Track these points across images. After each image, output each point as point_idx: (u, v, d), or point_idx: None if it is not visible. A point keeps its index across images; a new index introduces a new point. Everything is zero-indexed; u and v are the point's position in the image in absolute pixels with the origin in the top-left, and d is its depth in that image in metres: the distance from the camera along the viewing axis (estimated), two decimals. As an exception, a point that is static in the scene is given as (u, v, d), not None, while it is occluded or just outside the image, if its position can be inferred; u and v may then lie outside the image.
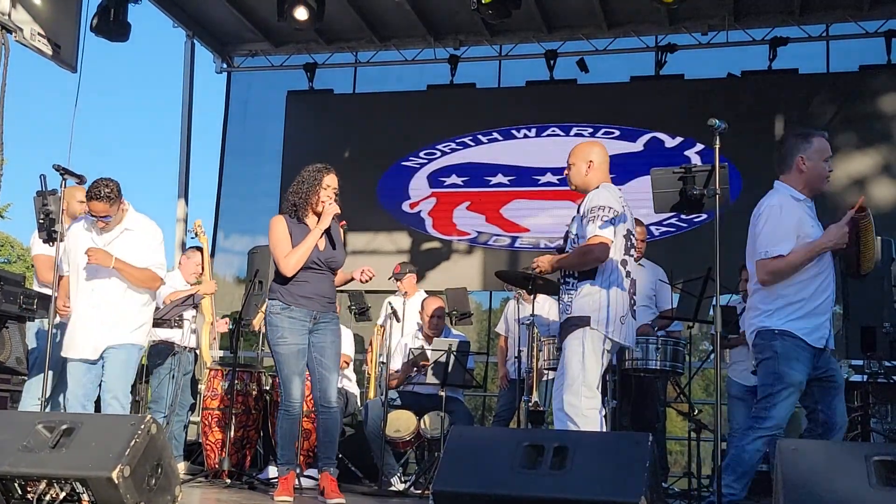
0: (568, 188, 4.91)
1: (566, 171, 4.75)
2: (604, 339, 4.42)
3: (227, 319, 7.65)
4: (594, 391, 4.41)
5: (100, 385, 5.11)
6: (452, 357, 6.18)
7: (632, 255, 4.61)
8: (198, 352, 7.03)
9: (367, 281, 5.24)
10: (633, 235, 4.66)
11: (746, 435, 4.24)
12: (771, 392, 4.16)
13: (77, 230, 5.25)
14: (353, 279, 5.29)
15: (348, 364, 7.19)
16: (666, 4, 7.65)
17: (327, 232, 5.09)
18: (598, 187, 4.58)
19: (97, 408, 5.20)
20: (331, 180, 5.11)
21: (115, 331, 5.07)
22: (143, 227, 5.25)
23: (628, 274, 4.55)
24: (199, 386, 7.16)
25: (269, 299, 5.09)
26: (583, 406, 4.35)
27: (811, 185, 4.29)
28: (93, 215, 5.09)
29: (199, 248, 7.09)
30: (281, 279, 5.04)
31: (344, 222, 5.16)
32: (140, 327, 5.22)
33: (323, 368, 5.09)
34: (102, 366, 5.09)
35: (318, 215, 5.10)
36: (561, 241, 4.82)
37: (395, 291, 7.61)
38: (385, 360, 6.88)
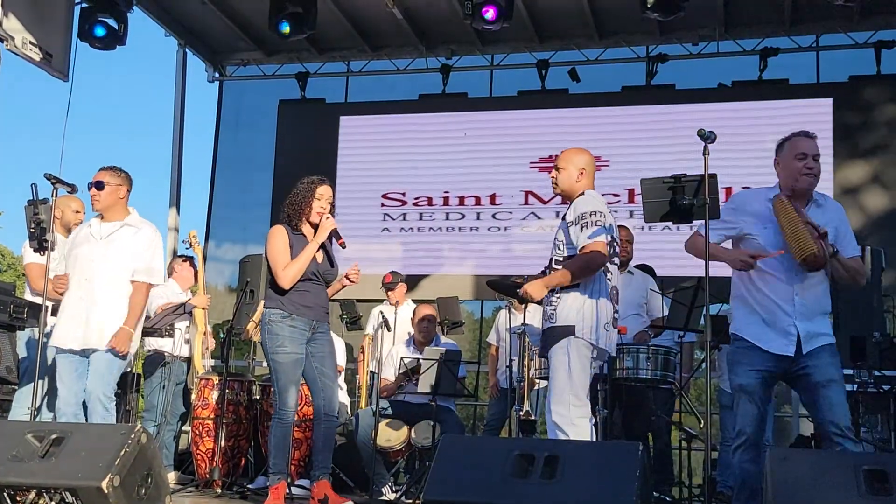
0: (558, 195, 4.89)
1: (553, 174, 4.70)
2: (590, 347, 4.41)
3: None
4: (583, 399, 4.40)
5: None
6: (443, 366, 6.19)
7: (615, 262, 4.61)
8: (191, 361, 7.01)
9: (356, 280, 5.22)
10: (617, 242, 4.66)
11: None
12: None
13: (82, 229, 5.34)
14: (344, 286, 5.29)
15: (340, 373, 7.18)
16: (647, 11, 7.64)
17: (322, 245, 5.13)
18: (582, 193, 4.59)
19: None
20: (324, 191, 5.13)
21: (103, 332, 5.04)
22: (142, 228, 5.30)
23: (611, 281, 4.55)
24: (192, 396, 7.14)
25: (268, 308, 5.06)
26: (572, 415, 4.34)
27: (788, 184, 4.27)
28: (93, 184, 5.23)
29: (190, 258, 7.08)
30: (280, 289, 5.04)
31: (342, 240, 5.14)
32: None
33: (326, 378, 5.11)
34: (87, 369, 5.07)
35: (312, 225, 5.13)
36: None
37: (384, 300, 7.62)
38: (375, 370, 6.86)
